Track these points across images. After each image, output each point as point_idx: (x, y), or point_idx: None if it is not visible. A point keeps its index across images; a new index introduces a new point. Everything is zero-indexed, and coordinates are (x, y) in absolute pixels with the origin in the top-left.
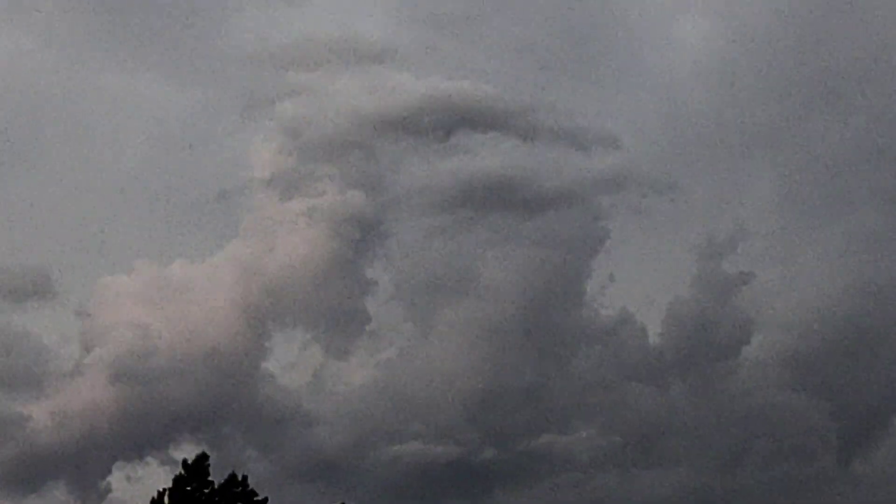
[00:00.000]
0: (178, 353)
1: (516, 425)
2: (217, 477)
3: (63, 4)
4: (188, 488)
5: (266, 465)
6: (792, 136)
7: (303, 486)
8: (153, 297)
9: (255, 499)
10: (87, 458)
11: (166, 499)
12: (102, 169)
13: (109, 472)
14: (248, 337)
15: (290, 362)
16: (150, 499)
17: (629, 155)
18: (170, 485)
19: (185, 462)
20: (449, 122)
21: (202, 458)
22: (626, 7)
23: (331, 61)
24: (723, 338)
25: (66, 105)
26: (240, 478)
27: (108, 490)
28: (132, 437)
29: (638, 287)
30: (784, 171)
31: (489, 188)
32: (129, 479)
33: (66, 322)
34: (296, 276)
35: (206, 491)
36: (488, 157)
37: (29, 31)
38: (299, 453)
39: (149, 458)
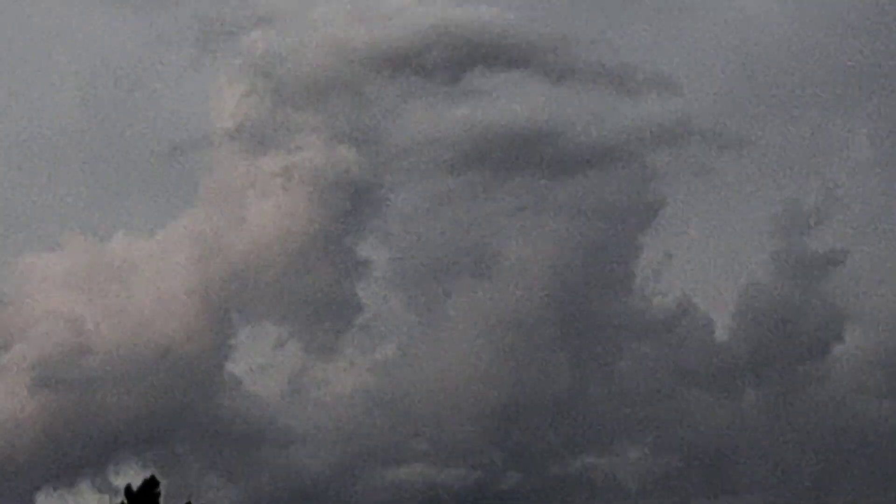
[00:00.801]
0: (119, 353)
1: (546, 444)
2: None
3: None
4: None
5: (231, 493)
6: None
7: None
8: (87, 280)
9: None
10: (3, 485)
11: None
12: (23, 118)
13: (32, 501)
14: (208, 332)
15: (261, 364)
16: None
17: (690, 102)
18: None
19: (128, 489)
20: (461, 60)
21: (150, 483)
22: None
23: None
24: (808, 333)
25: None
26: None
27: None
28: (61, 457)
29: (701, 269)
30: (885, 125)
31: (511, 143)
32: None
33: None
34: (268, 255)
35: None
36: (510, 103)
37: None
38: (273, 479)
39: (82, 485)
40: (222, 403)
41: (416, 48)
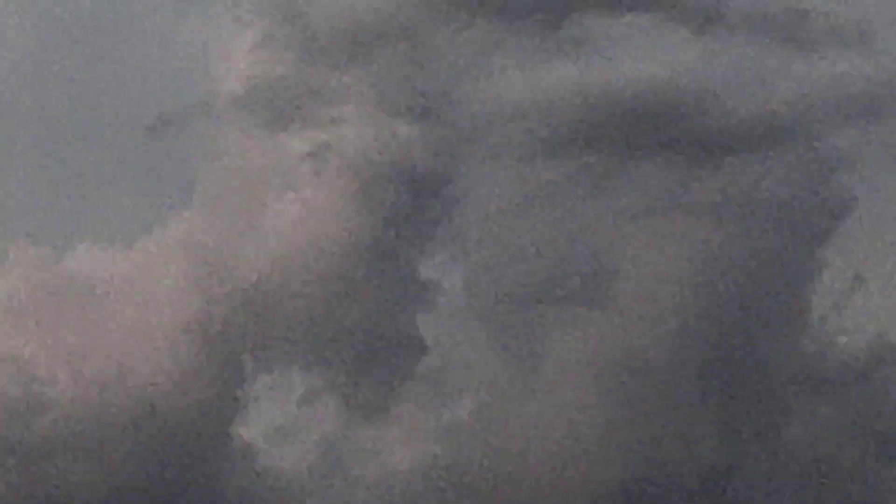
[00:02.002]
0: (83, 410)
1: None
2: None
3: None
4: None
5: None
6: None
7: None
8: (40, 309)
9: None
10: None
11: None
12: None
13: None
14: (210, 382)
15: (284, 427)
16: None
17: (888, 61)
18: None
19: None
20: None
21: None
22: None
23: None
24: None
25: None
26: None
27: None
28: None
29: None
30: None
31: (634, 115)
32: None
33: None
34: (293, 276)
35: None
36: (632, 59)
37: None
38: None
39: None
40: (228, 481)
41: None
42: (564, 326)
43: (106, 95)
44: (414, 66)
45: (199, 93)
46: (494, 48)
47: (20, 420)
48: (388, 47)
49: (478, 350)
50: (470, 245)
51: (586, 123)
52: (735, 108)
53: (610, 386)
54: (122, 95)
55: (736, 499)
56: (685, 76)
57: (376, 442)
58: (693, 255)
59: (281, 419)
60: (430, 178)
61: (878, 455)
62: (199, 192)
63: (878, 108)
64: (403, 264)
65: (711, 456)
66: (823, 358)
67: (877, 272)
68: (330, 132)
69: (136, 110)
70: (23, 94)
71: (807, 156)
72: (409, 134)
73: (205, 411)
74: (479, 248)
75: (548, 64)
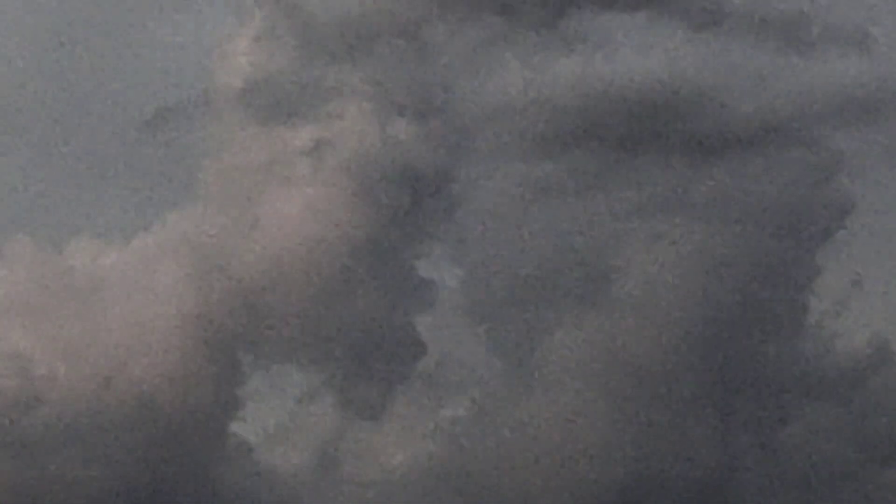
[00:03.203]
0: (80, 405)
1: None
2: None
3: None
4: None
5: None
6: None
7: None
8: (37, 304)
9: None
10: None
11: None
12: None
13: None
14: (207, 378)
15: (281, 425)
16: None
17: (888, 63)
18: None
19: None
20: None
21: None
22: None
23: None
24: None
25: None
26: None
27: None
28: None
29: None
30: None
31: (633, 113)
32: None
33: None
34: (292, 272)
35: None
36: (632, 57)
37: None
38: None
39: None
40: (225, 479)
41: None
42: (562, 326)
43: (105, 90)
44: (413, 63)
45: (198, 87)
46: (494, 45)
47: (17, 415)
48: (387, 43)
49: (475, 349)
50: (468, 244)
51: (585, 121)
52: (734, 106)
53: (607, 386)
54: (122, 90)
55: (733, 500)
56: (685, 74)
57: (373, 440)
58: (691, 255)
59: (278, 417)
60: (430, 176)
61: (876, 457)
62: (197, 188)
63: (877, 109)
64: (402, 262)
65: (709, 457)
66: (822, 360)
67: (875, 275)
68: (329, 128)
69: (135, 105)
70: (22, 90)
71: (807, 157)
72: (408, 131)
73: (202, 408)
74: (477, 247)
75: (547, 61)
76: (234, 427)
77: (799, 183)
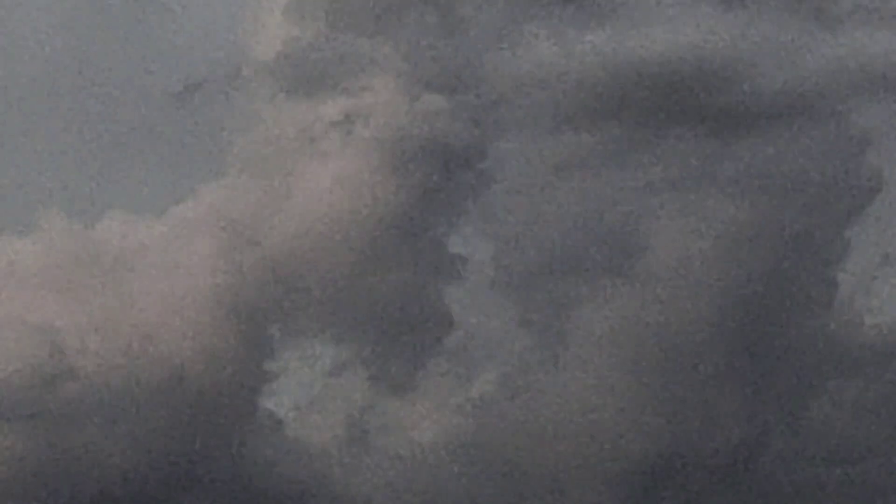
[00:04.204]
0: (111, 378)
1: None
2: None
3: None
4: None
5: None
6: None
7: None
8: (69, 277)
9: None
10: None
11: None
12: None
13: None
14: (237, 352)
15: (311, 399)
16: None
17: None
18: None
19: None
20: None
21: None
22: None
23: None
24: None
25: None
26: None
27: None
28: None
29: None
30: None
31: (663, 86)
32: None
33: None
34: (322, 247)
35: None
36: (662, 30)
37: None
38: None
39: None
40: (255, 452)
41: None
42: (592, 300)
43: (136, 65)
44: (443, 36)
45: (229, 61)
46: (523, 18)
47: (48, 387)
48: (417, 16)
49: (505, 324)
50: (498, 218)
51: (615, 95)
52: (763, 81)
53: (636, 360)
54: (153, 64)
55: (761, 476)
56: (714, 48)
57: (403, 415)
58: (720, 230)
59: (308, 392)
60: (459, 150)
61: None
62: (228, 161)
63: None
64: (432, 237)
65: (737, 433)
66: (850, 336)
67: None
68: (359, 101)
69: (166, 80)
70: (53, 65)
71: (836, 132)
72: (438, 104)
73: (232, 382)
74: (506, 221)
75: (577, 34)
76: (264, 401)
77: (829, 158)
